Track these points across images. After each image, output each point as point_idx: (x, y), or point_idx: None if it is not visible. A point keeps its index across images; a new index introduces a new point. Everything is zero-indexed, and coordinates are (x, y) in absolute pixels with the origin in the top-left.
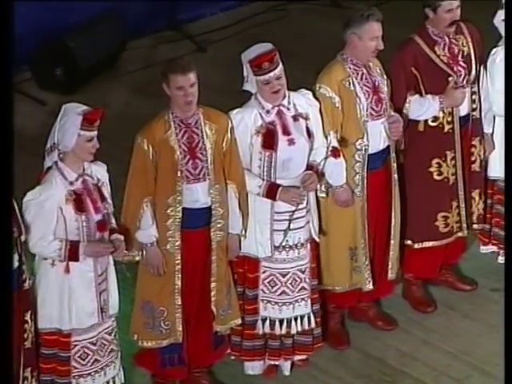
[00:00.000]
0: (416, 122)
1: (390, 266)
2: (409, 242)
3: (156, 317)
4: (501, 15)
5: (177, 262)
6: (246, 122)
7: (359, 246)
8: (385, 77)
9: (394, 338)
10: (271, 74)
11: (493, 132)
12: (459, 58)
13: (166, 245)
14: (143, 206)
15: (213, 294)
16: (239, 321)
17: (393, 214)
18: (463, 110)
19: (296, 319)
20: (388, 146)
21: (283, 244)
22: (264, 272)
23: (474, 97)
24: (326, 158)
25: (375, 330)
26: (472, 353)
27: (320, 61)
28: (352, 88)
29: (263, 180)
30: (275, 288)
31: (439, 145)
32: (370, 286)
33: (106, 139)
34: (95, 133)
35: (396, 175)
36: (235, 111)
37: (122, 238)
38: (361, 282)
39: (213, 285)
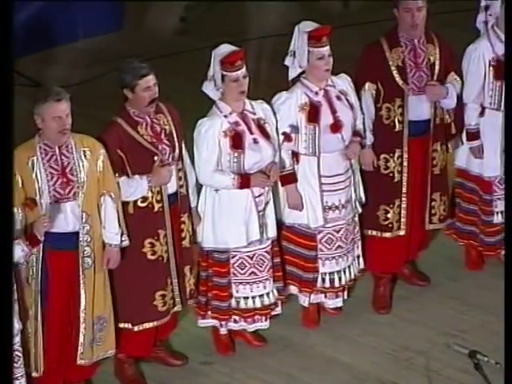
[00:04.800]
0: (126, 204)
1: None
2: (127, 325)
3: None
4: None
5: None
6: None
7: None
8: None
9: None
10: None
11: None
12: (162, 136)
13: None
14: None
15: None
16: None
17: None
18: (171, 187)
19: None
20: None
21: None
22: None
23: (180, 174)
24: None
25: None
26: None
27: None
28: (34, 169)
29: None
30: None
31: (151, 225)
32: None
33: None
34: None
35: (89, 259)
36: None
37: None
38: None
39: None
